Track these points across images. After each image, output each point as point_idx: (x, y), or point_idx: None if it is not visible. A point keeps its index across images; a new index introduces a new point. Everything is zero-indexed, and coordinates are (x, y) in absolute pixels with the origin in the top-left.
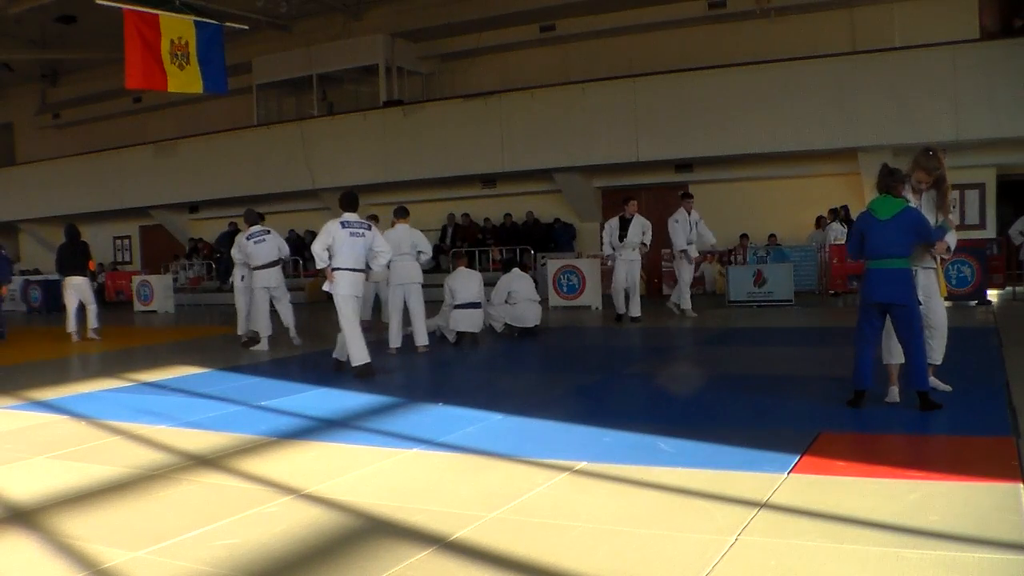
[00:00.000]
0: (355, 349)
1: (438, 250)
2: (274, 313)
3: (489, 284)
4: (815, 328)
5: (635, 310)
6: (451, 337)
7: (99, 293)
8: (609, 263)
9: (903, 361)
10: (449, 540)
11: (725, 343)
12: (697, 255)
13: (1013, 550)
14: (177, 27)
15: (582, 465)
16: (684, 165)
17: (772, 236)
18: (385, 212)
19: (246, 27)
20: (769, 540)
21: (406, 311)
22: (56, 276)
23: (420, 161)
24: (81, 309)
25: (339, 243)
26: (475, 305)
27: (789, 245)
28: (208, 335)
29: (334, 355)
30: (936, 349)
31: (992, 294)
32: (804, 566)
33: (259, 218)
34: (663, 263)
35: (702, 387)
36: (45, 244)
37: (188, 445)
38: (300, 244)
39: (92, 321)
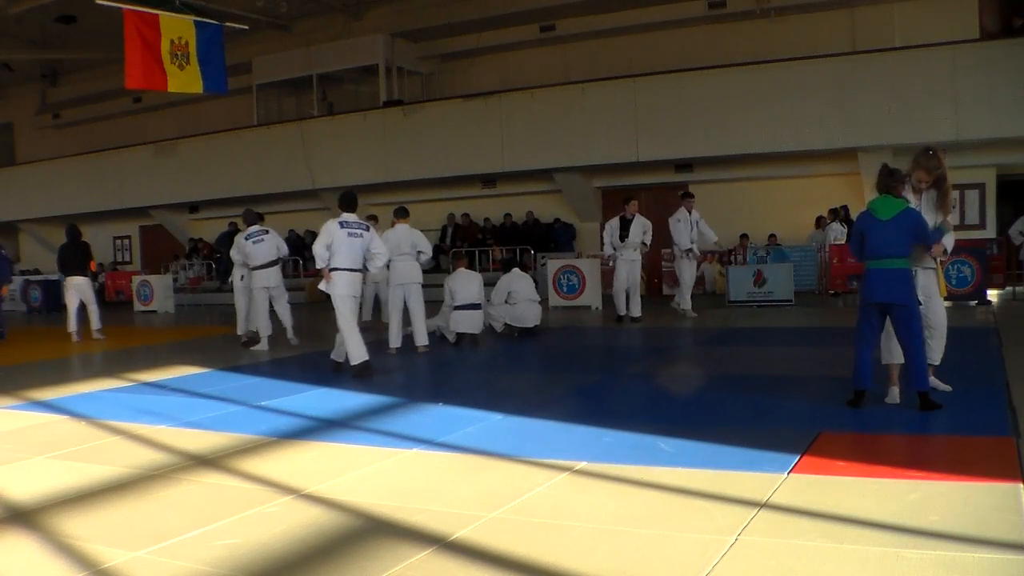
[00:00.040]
0: (353, 348)
1: (438, 250)
2: (274, 313)
3: (489, 284)
4: (815, 328)
5: (635, 310)
6: (451, 337)
7: (99, 293)
8: (611, 263)
9: (903, 361)
10: (449, 540)
11: (725, 343)
12: (699, 255)
13: (1013, 550)
14: (177, 27)
15: (582, 465)
16: (684, 165)
17: (772, 236)
18: (385, 212)
19: (246, 27)
20: (769, 540)
21: (406, 311)
22: (56, 276)
23: (420, 161)
24: (82, 309)
25: (337, 243)
26: (475, 307)
27: (789, 245)
28: (208, 335)
29: (332, 356)
30: (935, 349)
31: (992, 294)
32: (804, 566)
33: (258, 218)
34: (663, 263)
35: (702, 387)
36: (45, 244)
37: (188, 445)
38: (300, 244)
39: (95, 322)
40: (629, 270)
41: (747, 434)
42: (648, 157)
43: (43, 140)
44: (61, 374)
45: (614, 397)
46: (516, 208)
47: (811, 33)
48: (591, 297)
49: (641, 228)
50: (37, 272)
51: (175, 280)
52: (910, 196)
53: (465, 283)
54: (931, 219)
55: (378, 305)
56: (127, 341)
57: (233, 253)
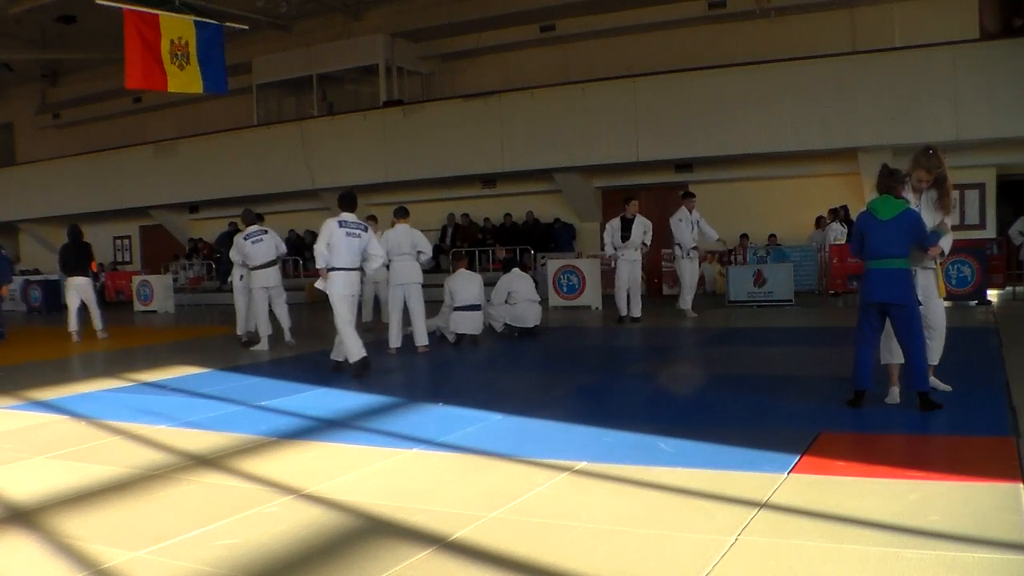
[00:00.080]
0: (351, 345)
1: (438, 250)
2: (273, 313)
3: (489, 284)
4: (815, 328)
5: (636, 310)
6: (451, 338)
7: (99, 293)
8: (612, 264)
9: (903, 361)
10: (449, 540)
11: (725, 343)
12: (700, 253)
13: (1013, 550)
14: (177, 27)
15: (582, 465)
16: (684, 165)
17: (772, 236)
18: (385, 212)
19: (246, 27)
20: (769, 540)
21: (406, 311)
22: (56, 276)
23: (420, 161)
24: (82, 309)
25: (335, 242)
26: (475, 308)
27: (789, 245)
28: (208, 335)
29: (332, 356)
30: (934, 349)
31: (992, 294)
32: (804, 566)
33: (257, 218)
34: (663, 263)
35: (702, 387)
36: (45, 244)
37: (188, 445)
38: (300, 244)
39: (97, 322)
40: (630, 270)
41: (747, 434)
42: (648, 157)
43: (43, 140)
44: (61, 374)
45: (614, 397)
46: (516, 208)
47: (811, 33)
48: (591, 297)
49: (642, 228)
50: (37, 272)
51: (175, 280)
52: (910, 196)
53: (465, 284)
54: (931, 219)
55: (378, 305)
56: (127, 341)
57: (233, 253)
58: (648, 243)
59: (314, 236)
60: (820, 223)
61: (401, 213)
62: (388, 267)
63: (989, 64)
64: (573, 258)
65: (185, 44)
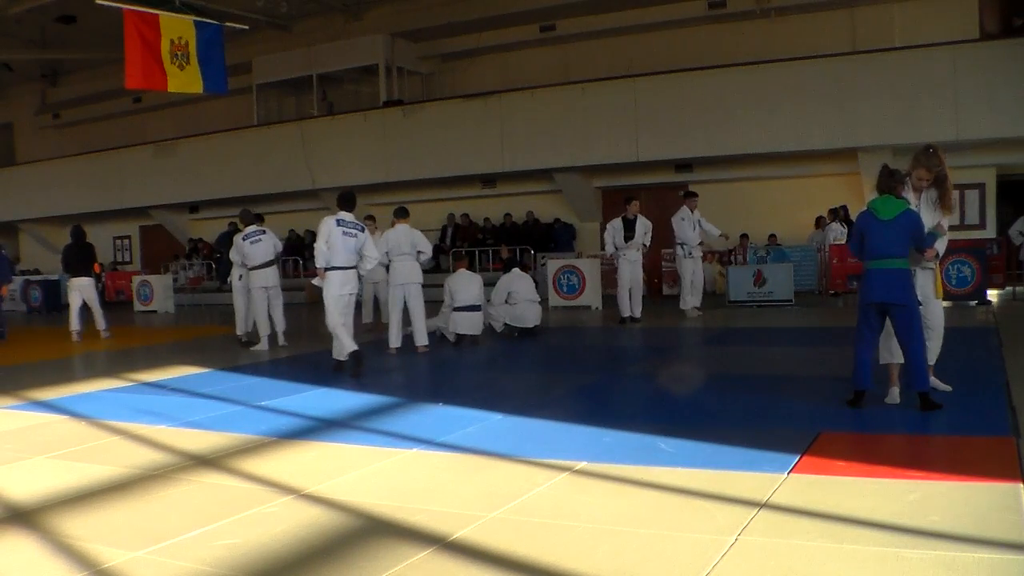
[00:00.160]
0: (344, 341)
1: (438, 250)
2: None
3: (489, 284)
4: (815, 328)
5: (636, 311)
6: (451, 337)
7: (100, 294)
8: (615, 262)
9: (903, 361)
10: (449, 540)
11: (725, 343)
12: (701, 252)
13: (1013, 550)
14: (177, 27)
15: (582, 465)
16: (684, 165)
17: (772, 236)
18: (385, 212)
19: (246, 27)
20: (769, 540)
21: (406, 311)
22: (56, 276)
23: (420, 161)
24: (83, 309)
25: (333, 241)
26: (475, 308)
27: (789, 245)
28: (208, 335)
29: (333, 355)
30: (932, 350)
31: (992, 294)
32: (804, 566)
33: (256, 218)
34: (663, 263)
35: (702, 387)
36: (45, 244)
37: (188, 445)
38: (300, 244)
39: (99, 322)
40: (632, 270)
41: (747, 434)
42: (648, 157)
43: (43, 140)
44: (61, 374)
45: (614, 397)
46: (516, 208)
47: (811, 33)
48: (591, 297)
49: (643, 228)
50: (37, 272)
51: (175, 280)
52: (910, 195)
53: (465, 284)
54: (931, 218)
55: (377, 305)
56: (127, 341)
57: (232, 253)
58: (647, 243)
59: (314, 236)
60: (820, 223)
61: (401, 213)
62: (388, 267)
63: (989, 64)
64: (573, 258)
65: (185, 44)
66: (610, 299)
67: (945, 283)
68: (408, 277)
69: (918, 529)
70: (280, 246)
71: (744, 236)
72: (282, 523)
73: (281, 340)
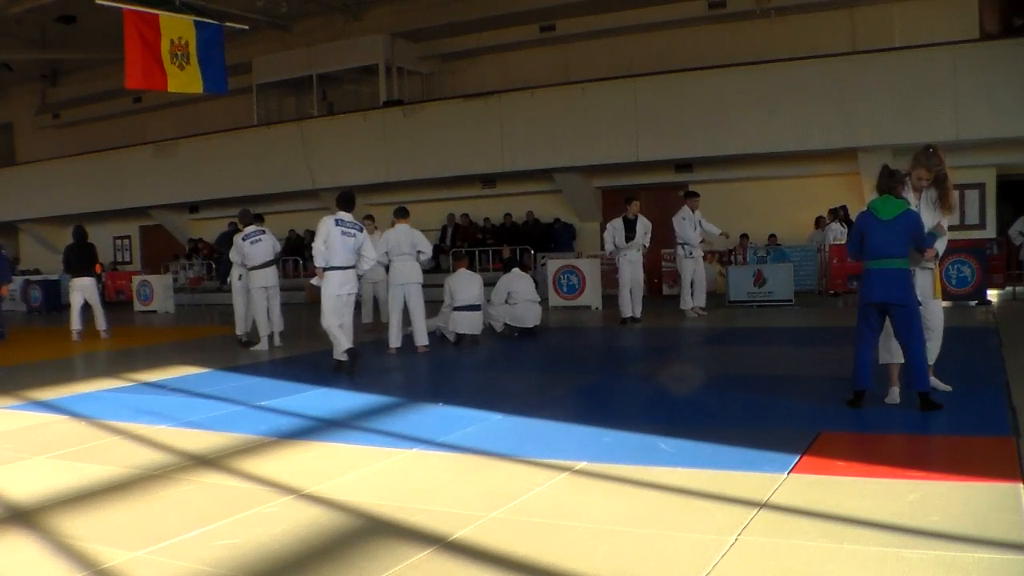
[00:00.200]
0: (339, 339)
1: (438, 250)
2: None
3: (489, 284)
4: (815, 328)
5: (636, 311)
6: (451, 337)
7: (100, 294)
8: (616, 262)
9: (902, 361)
10: (449, 540)
11: (725, 343)
12: (703, 253)
13: (1013, 550)
14: (177, 27)
15: (582, 465)
16: (684, 165)
17: (772, 236)
18: (385, 212)
19: (246, 27)
20: (769, 540)
21: (406, 311)
22: (56, 276)
23: (420, 161)
24: (85, 309)
25: (332, 240)
26: (475, 308)
27: (789, 245)
28: (208, 335)
29: (334, 356)
30: (931, 350)
31: (992, 294)
32: (804, 566)
33: (256, 218)
34: (663, 263)
35: (702, 387)
36: (45, 244)
37: (188, 445)
38: (300, 244)
39: (100, 322)
40: (633, 271)
41: (747, 434)
42: (648, 157)
43: (43, 140)
44: (61, 374)
45: (614, 397)
46: (516, 208)
47: (811, 33)
48: (591, 297)
49: (644, 229)
50: (37, 272)
51: (175, 280)
52: (910, 195)
53: (465, 284)
54: (931, 218)
55: (377, 305)
56: (127, 341)
57: (232, 253)
58: (647, 244)
59: (314, 236)
60: (820, 223)
61: (401, 213)
62: (388, 267)
63: (989, 64)
64: (573, 258)
65: (185, 44)
66: (610, 299)
67: (945, 283)
68: (408, 277)
69: (918, 529)
70: (279, 247)
71: (744, 236)
72: (282, 523)
73: (276, 340)
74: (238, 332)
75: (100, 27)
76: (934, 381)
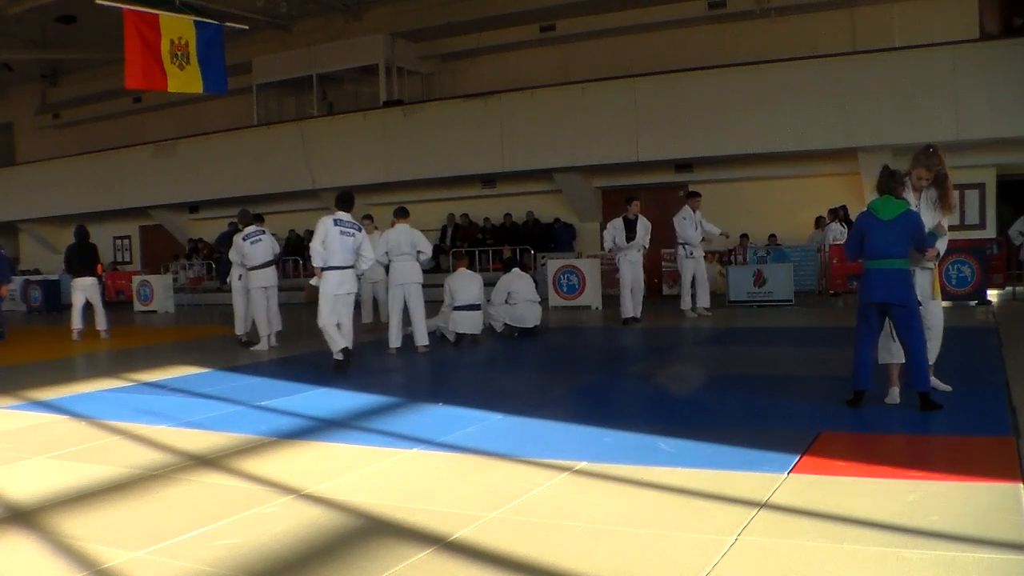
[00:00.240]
0: (334, 338)
1: (438, 250)
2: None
3: (489, 284)
4: (815, 328)
5: (637, 311)
6: (451, 337)
7: (101, 294)
8: (616, 262)
9: (902, 361)
10: (449, 540)
11: (725, 343)
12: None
13: (1013, 550)
14: (177, 27)
15: (582, 465)
16: (684, 165)
17: (772, 236)
18: (385, 212)
19: (246, 27)
20: (769, 540)
21: (406, 311)
22: (56, 276)
23: (420, 161)
24: (86, 309)
25: (330, 240)
26: (475, 307)
27: (789, 245)
28: (208, 335)
29: (334, 356)
30: (931, 350)
31: (992, 294)
32: (804, 566)
33: (256, 218)
34: (663, 263)
35: (702, 387)
36: (45, 244)
37: (188, 445)
38: (300, 244)
39: (101, 322)
40: (633, 271)
41: (747, 434)
42: (648, 157)
43: (43, 140)
44: (61, 374)
45: (614, 397)
46: (516, 208)
47: (811, 33)
48: (591, 297)
49: (644, 229)
50: (37, 272)
51: (175, 280)
52: (910, 195)
53: (465, 284)
54: (931, 218)
55: (376, 305)
56: (127, 341)
57: (232, 253)
58: (647, 244)
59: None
60: (820, 223)
61: (401, 213)
62: (387, 267)
63: (989, 64)
64: (573, 258)
65: (185, 44)
66: (610, 299)
67: (945, 283)
68: (408, 277)
69: (918, 529)
70: (278, 247)
71: (744, 236)
72: (282, 523)
73: (273, 341)
74: (238, 332)
75: (100, 27)
76: (934, 381)
